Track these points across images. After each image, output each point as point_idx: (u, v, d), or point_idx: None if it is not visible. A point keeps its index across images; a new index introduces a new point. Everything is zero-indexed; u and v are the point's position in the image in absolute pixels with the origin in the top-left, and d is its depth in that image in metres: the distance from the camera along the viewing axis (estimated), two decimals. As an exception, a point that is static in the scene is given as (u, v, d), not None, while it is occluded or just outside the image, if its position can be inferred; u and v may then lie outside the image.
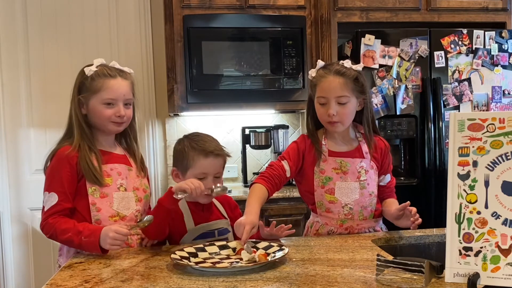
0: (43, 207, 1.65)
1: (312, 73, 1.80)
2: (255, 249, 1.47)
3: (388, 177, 1.87)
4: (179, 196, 1.52)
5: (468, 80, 2.91)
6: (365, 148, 1.79)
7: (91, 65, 1.70)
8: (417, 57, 2.86)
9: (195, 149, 1.68)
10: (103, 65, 1.71)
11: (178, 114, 3.22)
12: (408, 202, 1.67)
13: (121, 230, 1.50)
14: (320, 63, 1.79)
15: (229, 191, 2.88)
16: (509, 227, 1.07)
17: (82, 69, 1.71)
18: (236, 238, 1.63)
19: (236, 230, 1.51)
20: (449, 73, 2.90)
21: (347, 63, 1.76)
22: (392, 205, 1.79)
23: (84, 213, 1.64)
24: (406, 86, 2.85)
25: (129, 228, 1.53)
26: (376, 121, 1.89)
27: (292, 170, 1.77)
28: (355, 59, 2.84)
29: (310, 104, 1.82)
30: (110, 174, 1.68)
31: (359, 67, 1.76)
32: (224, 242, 1.56)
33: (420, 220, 1.65)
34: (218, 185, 1.59)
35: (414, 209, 1.64)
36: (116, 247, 1.52)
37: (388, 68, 2.84)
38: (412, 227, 1.66)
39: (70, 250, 1.66)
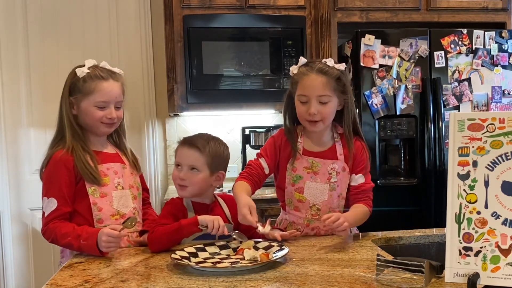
0: (43, 212, 1.65)
1: (293, 69, 1.76)
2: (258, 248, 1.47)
3: (359, 178, 1.76)
4: (202, 228, 1.54)
5: (468, 80, 2.91)
6: (339, 149, 1.76)
7: (83, 66, 1.69)
8: (417, 57, 2.86)
9: (179, 142, 1.74)
10: (95, 66, 1.70)
11: (178, 114, 3.22)
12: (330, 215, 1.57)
13: (112, 233, 1.50)
14: (302, 60, 1.76)
15: (229, 191, 2.88)
16: (509, 227, 1.07)
17: (73, 70, 1.70)
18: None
19: (243, 222, 1.52)
20: (449, 73, 2.90)
21: (330, 61, 1.71)
22: (351, 210, 1.71)
23: (85, 214, 1.64)
24: (406, 86, 2.85)
25: (120, 230, 1.52)
26: (358, 122, 1.83)
27: (271, 166, 1.78)
28: (355, 59, 2.84)
29: (289, 101, 1.79)
30: (107, 174, 1.69)
31: (341, 66, 1.72)
32: (224, 242, 1.56)
33: (335, 225, 1.53)
34: (236, 233, 1.59)
35: (325, 217, 1.54)
36: (112, 249, 1.53)
37: (388, 68, 2.84)
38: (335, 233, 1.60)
39: (72, 252, 1.66)
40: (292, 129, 1.80)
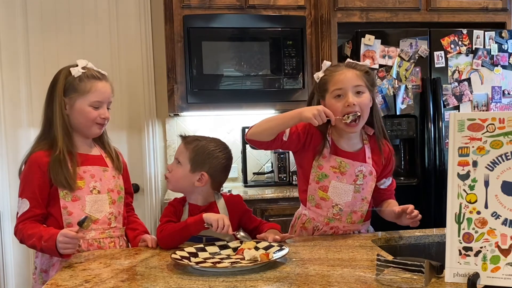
0: (17, 213, 1.65)
1: (319, 74, 1.75)
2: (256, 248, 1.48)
3: (389, 180, 1.84)
4: (208, 226, 1.55)
5: (468, 80, 2.91)
6: (368, 152, 1.75)
7: (75, 65, 1.68)
8: (417, 57, 2.86)
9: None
10: (86, 66, 1.70)
11: (178, 114, 3.22)
12: (408, 206, 1.64)
13: (68, 233, 1.49)
14: (327, 63, 1.77)
15: (229, 191, 2.88)
16: (509, 227, 1.07)
17: (66, 70, 1.69)
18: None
19: (321, 114, 1.58)
20: (449, 73, 2.90)
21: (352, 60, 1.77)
22: (392, 206, 1.77)
23: (58, 217, 1.63)
24: (406, 86, 2.85)
25: (76, 231, 1.50)
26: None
27: (292, 138, 1.71)
28: (355, 59, 2.83)
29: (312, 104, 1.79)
30: (83, 177, 1.66)
31: (366, 62, 1.80)
32: (224, 242, 1.56)
33: (419, 216, 1.63)
34: (242, 233, 1.59)
35: (411, 207, 1.62)
36: (69, 251, 1.51)
37: (388, 68, 2.84)
38: (412, 224, 1.64)
39: (44, 254, 1.65)
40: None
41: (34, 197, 1.61)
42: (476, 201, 1.09)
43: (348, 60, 1.76)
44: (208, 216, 1.55)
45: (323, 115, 1.57)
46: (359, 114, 1.65)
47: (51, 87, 1.70)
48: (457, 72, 2.90)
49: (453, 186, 1.11)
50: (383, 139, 1.79)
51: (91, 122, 1.68)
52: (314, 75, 1.79)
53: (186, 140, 1.72)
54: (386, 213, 1.78)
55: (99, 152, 1.77)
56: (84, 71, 1.67)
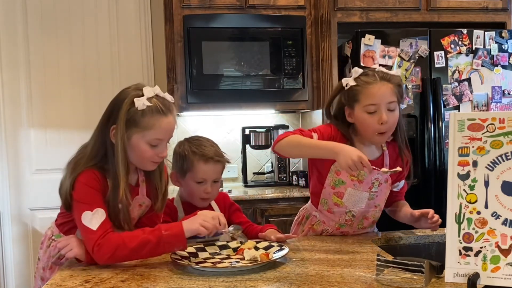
0: (87, 229, 1.38)
1: (349, 81, 1.66)
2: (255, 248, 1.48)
3: (402, 183, 1.81)
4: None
5: (468, 80, 2.91)
6: (386, 160, 1.72)
7: (141, 94, 1.44)
8: (417, 57, 2.86)
9: (195, 154, 1.69)
10: (153, 98, 1.46)
11: (178, 114, 3.21)
12: (428, 210, 1.64)
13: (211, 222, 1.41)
14: (358, 70, 1.67)
15: (229, 191, 2.88)
16: (509, 227, 1.07)
17: (131, 99, 1.43)
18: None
19: (357, 163, 1.45)
20: (449, 73, 2.90)
21: (383, 69, 1.68)
22: (404, 207, 1.76)
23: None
24: (406, 86, 2.85)
25: (223, 229, 1.45)
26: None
27: None
28: (355, 59, 2.84)
29: (341, 113, 1.70)
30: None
31: (398, 72, 1.68)
32: (224, 242, 1.56)
33: (440, 220, 1.61)
34: (231, 228, 1.55)
35: (431, 212, 1.62)
36: (203, 228, 1.39)
37: (388, 68, 2.82)
38: (432, 229, 1.65)
39: (45, 251, 1.62)
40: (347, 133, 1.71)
41: (104, 208, 1.42)
42: (476, 201, 1.09)
43: (381, 69, 1.66)
44: (205, 214, 1.54)
45: (359, 165, 1.46)
46: (399, 170, 1.57)
47: (111, 110, 1.46)
48: (457, 72, 2.90)
49: (453, 186, 1.11)
50: (406, 149, 1.74)
51: (145, 160, 1.48)
52: (343, 80, 1.69)
53: (222, 161, 1.73)
54: (402, 215, 1.76)
55: (136, 180, 1.57)
56: (150, 104, 1.42)
